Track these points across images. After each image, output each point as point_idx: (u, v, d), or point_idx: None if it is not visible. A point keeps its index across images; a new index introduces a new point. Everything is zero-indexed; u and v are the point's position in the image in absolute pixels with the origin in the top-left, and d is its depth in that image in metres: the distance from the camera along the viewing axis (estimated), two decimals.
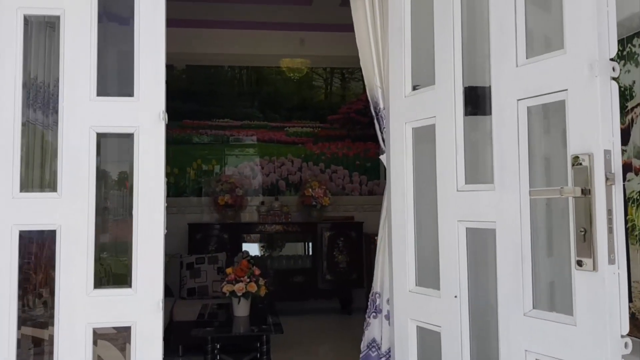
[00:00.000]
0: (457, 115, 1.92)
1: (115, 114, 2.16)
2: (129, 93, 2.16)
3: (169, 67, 7.43)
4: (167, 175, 7.39)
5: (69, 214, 2.11)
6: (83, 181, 2.11)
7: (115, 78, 2.32)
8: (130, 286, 2.12)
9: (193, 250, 6.91)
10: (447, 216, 1.95)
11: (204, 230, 7.17)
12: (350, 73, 7.94)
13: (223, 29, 7.65)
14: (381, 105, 2.56)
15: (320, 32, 7.82)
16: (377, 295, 2.62)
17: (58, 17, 2.16)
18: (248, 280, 4.48)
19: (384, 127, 2.55)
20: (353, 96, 8.01)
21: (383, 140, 2.56)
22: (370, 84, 2.64)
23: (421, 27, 2.22)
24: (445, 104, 1.99)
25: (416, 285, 2.15)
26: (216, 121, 7.74)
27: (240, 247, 7.24)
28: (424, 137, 2.17)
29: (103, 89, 2.18)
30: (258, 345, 4.35)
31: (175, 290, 6.17)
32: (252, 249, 7.51)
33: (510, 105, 1.74)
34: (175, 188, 7.53)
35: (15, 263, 2.09)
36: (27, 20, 2.22)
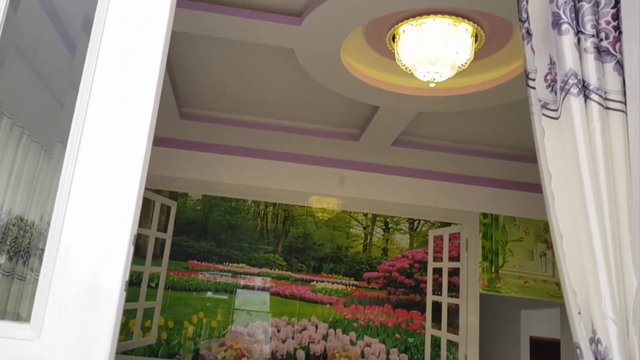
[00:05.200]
0: None
1: None
2: None
3: (182, 195, 5.87)
4: (160, 330, 5.43)
5: None
6: None
7: None
8: None
9: None
10: None
11: None
12: (395, 223, 6.54)
13: (248, 157, 6.42)
14: None
15: (363, 171, 6.58)
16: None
17: None
18: None
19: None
20: (397, 251, 6.55)
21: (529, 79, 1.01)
22: None
23: None
24: None
25: None
26: (229, 265, 6.23)
27: None
28: None
29: None
30: None
31: None
32: None
33: None
34: (167, 348, 5.83)
35: None
36: None
